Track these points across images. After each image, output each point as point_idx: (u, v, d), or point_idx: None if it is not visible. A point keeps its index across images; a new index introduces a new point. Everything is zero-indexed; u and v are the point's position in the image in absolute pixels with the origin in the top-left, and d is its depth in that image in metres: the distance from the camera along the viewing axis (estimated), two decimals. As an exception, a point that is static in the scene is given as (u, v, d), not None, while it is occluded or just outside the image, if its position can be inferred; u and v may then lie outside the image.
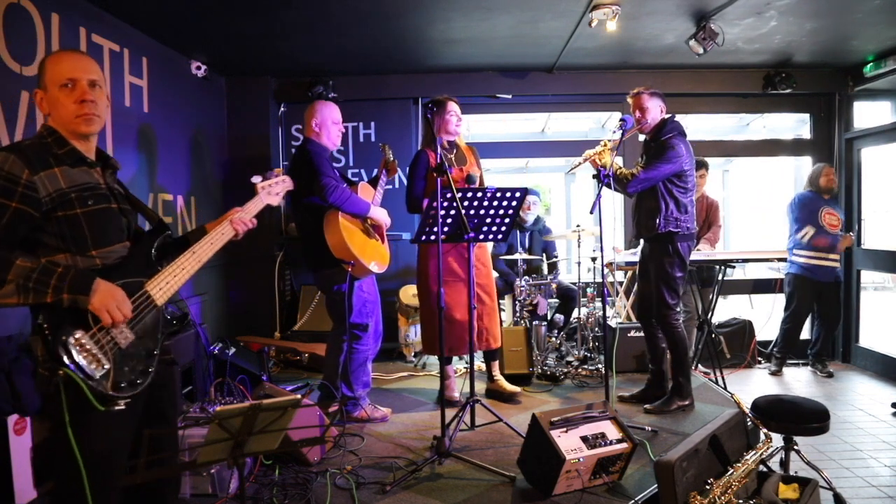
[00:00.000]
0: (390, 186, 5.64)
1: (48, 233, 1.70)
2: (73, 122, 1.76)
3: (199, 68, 4.75)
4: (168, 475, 2.67)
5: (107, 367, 1.67)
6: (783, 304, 5.27)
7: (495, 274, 5.31)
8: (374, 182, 3.81)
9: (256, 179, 2.22)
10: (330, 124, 3.60)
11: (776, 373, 5.17)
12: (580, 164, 3.69)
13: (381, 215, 3.63)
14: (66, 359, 1.59)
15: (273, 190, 2.23)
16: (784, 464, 2.67)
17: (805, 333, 5.40)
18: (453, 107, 3.81)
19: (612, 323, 4.77)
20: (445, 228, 3.16)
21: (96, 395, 1.63)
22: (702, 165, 4.84)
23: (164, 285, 1.85)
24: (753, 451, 2.32)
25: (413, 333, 5.13)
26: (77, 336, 1.63)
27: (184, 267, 1.90)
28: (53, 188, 1.69)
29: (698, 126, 7.06)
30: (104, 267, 1.77)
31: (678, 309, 3.72)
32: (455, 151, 3.88)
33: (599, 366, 4.67)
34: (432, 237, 3.15)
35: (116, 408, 1.67)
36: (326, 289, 3.63)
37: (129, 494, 1.84)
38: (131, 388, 1.72)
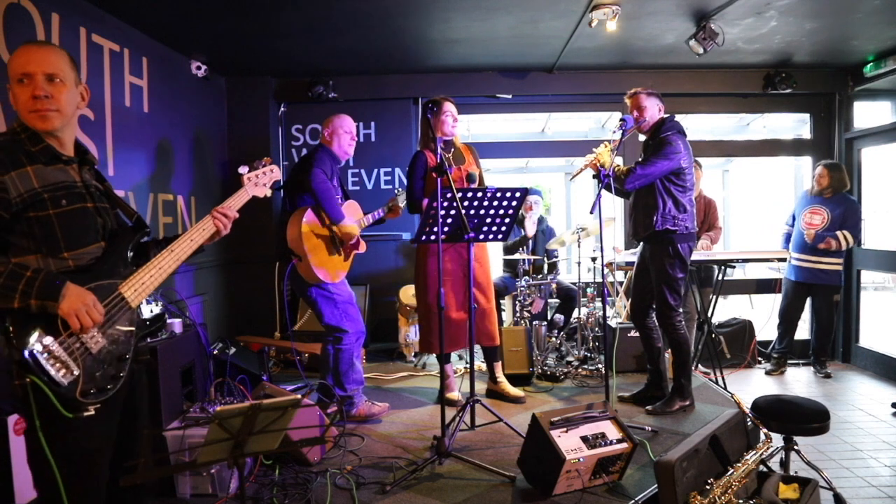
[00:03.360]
0: (389, 187, 5.67)
1: (18, 234, 1.64)
2: (29, 118, 1.69)
3: (199, 68, 4.74)
4: (167, 475, 2.68)
5: (76, 373, 1.61)
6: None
7: (496, 274, 5.33)
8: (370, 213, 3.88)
9: (244, 170, 2.12)
10: (341, 133, 3.69)
11: (772, 372, 5.18)
12: (581, 170, 3.68)
13: (350, 230, 3.56)
14: (32, 366, 1.54)
15: (261, 181, 2.14)
16: (784, 464, 2.67)
17: (806, 334, 5.42)
18: (449, 107, 3.80)
19: (612, 323, 4.77)
20: (445, 228, 3.16)
21: (64, 402, 1.58)
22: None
23: (139, 286, 1.78)
24: (753, 451, 2.32)
25: (413, 333, 5.13)
26: (45, 343, 1.58)
27: (161, 267, 1.83)
28: (25, 188, 1.62)
29: (698, 126, 7.06)
30: (77, 269, 1.70)
31: (681, 310, 3.72)
32: (452, 151, 3.88)
33: (599, 366, 4.67)
34: (432, 237, 3.15)
35: (86, 414, 1.62)
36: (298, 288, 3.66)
37: (109, 496, 1.81)
38: (101, 394, 1.67)
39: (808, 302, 5.24)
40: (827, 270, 4.99)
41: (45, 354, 1.57)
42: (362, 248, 3.75)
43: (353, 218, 3.72)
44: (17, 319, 1.57)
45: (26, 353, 1.55)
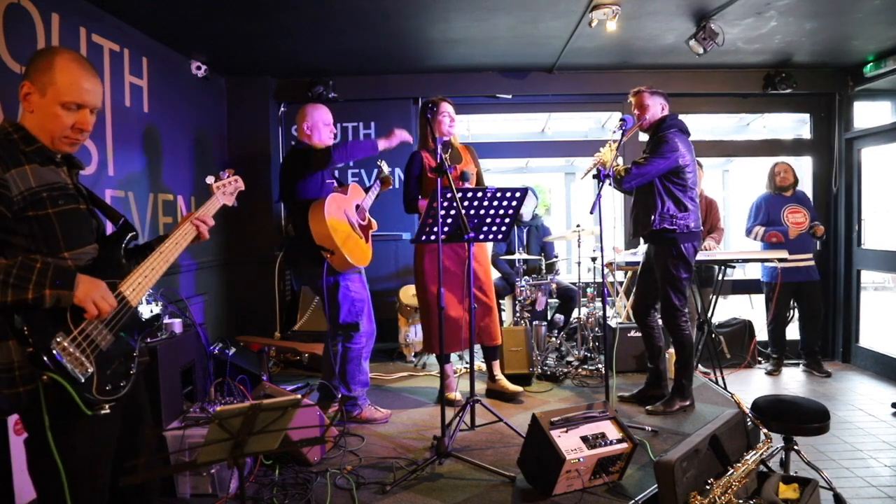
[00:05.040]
0: (390, 187, 5.67)
1: (18, 234, 1.62)
2: (57, 140, 1.70)
3: (199, 68, 4.74)
4: (167, 474, 2.68)
5: (90, 370, 1.62)
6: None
7: (497, 274, 5.34)
8: (368, 190, 3.93)
9: (210, 180, 2.22)
10: (321, 126, 3.65)
11: (772, 372, 5.18)
12: (588, 172, 3.67)
13: (396, 138, 3.60)
14: (50, 363, 1.54)
15: (227, 189, 2.24)
16: (784, 464, 2.67)
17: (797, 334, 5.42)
18: (446, 107, 3.80)
19: (612, 323, 4.77)
20: (445, 228, 3.16)
21: (83, 399, 1.58)
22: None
23: (136, 286, 1.81)
24: (753, 451, 2.32)
25: (413, 333, 5.13)
26: (59, 339, 1.58)
27: (153, 268, 1.87)
28: (25, 187, 1.61)
29: (698, 126, 7.03)
30: (77, 269, 1.70)
31: (686, 310, 3.72)
32: (450, 151, 3.87)
33: (599, 366, 4.67)
34: (432, 237, 3.15)
35: (102, 412, 1.63)
36: (313, 284, 3.66)
37: (114, 497, 1.81)
38: (115, 392, 1.68)
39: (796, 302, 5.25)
40: (810, 267, 5.11)
41: (61, 350, 1.57)
42: (374, 226, 3.86)
43: (357, 198, 3.77)
44: (29, 318, 1.56)
45: (44, 350, 1.54)
